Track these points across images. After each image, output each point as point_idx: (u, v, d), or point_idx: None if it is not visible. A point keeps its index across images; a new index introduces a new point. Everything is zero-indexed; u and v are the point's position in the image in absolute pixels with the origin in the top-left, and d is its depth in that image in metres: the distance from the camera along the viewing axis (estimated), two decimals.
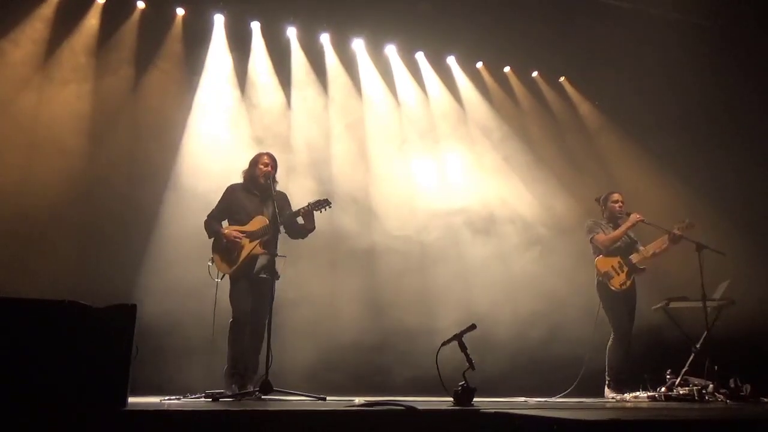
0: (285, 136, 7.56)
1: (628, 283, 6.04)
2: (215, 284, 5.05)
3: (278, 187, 5.30)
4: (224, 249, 5.06)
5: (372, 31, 8.07)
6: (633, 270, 6.09)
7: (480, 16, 7.72)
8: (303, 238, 5.31)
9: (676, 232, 5.98)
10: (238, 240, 5.02)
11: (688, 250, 5.89)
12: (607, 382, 6.01)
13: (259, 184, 5.22)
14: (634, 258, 6.10)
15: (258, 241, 5.03)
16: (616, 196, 6.33)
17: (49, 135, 6.60)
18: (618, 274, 6.06)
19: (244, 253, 5.02)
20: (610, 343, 6.07)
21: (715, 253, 5.84)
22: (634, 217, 6.09)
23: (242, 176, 5.37)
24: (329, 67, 7.98)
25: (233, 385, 4.79)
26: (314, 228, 5.22)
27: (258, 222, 5.11)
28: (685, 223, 6.03)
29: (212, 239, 5.16)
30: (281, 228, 5.09)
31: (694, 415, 3.14)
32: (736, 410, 4.01)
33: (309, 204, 5.10)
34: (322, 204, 5.09)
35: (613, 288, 6.03)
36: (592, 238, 6.25)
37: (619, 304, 6.04)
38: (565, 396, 5.93)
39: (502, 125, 8.47)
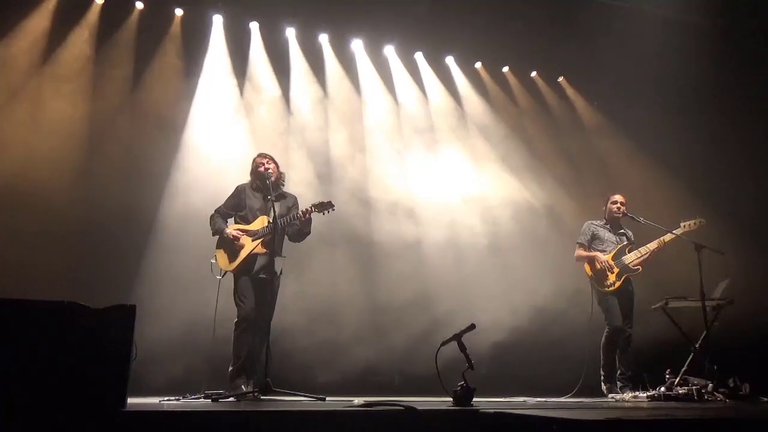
0: (284, 137, 7.55)
1: (618, 284, 6.05)
2: (217, 282, 5.08)
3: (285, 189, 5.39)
4: (226, 247, 5.12)
5: (371, 31, 8.06)
6: (624, 270, 6.09)
7: (479, 16, 7.71)
8: (300, 242, 5.35)
9: (665, 239, 6.03)
10: (238, 238, 5.07)
11: (687, 250, 5.90)
12: (601, 378, 6.03)
13: (264, 184, 5.23)
14: (626, 259, 6.11)
15: (259, 240, 5.04)
16: (616, 198, 6.35)
17: (47, 135, 6.59)
18: (607, 276, 6.06)
19: (244, 252, 5.05)
20: (603, 339, 6.09)
21: (715, 253, 5.84)
22: (599, 257, 6.10)
23: (250, 177, 5.42)
24: (328, 68, 7.97)
25: (242, 385, 4.78)
26: (310, 232, 5.26)
27: (262, 221, 5.16)
28: (696, 222, 6.04)
29: (216, 236, 5.22)
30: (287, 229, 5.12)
31: (693, 414, 3.15)
32: (735, 409, 4.01)
33: (312, 206, 5.10)
34: (326, 206, 5.08)
35: (601, 289, 6.06)
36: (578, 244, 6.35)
37: (609, 301, 6.07)
38: (568, 396, 5.94)
39: (500, 125, 8.47)
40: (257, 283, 5.04)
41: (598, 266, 6.09)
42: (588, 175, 8.33)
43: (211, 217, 5.32)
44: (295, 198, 5.46)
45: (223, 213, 5.32)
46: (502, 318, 7.26)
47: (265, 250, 5.03)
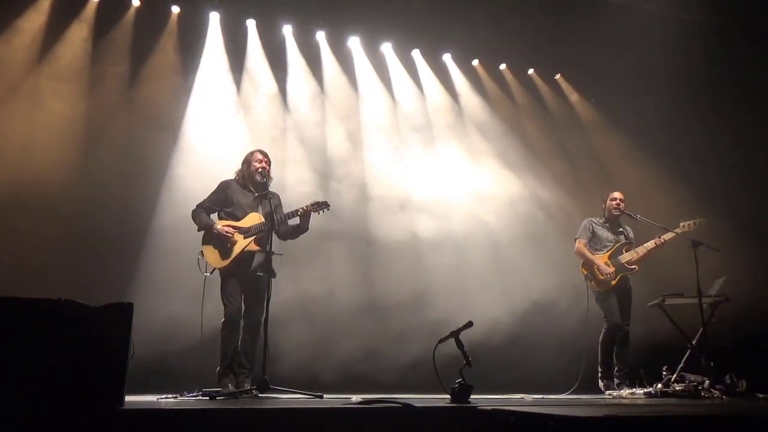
0: (281, 134, 7.55)
1: (613, 282, 6.02)
2: (203, 279, 4.94)
3: (272, 186, 5.29)
4: (216, 243, 4.99)
5: (368, 29, 8.05)
6: (621, 269, 6.07)
7: (476, 13, 7.70)
8: (294, 239, 5.22)
9: (664, 238, 6.02)
10: (230, 235, 4.95)
11: (683, 247, 5.91)
12: (599, 374, 6.04)
13: (254, 181, 5.16)
14: (623, 258, 6.10)
15: (252, 237, 4.98)
16: (614, 195, 6.32)
17: (44, 133, 6.57)
18: (602, 275, 6.05)
19: (237, 249, 4.95)
20: (601, 336, 6.08)
21: (711, 250, 5.85)
22: (602, 269, 6.03)
23: (235, 174, 5.29)
24: (325, 65, 7.96)
25: (228, 384, 4.79)
26: (307, 229, 5.16)
27: (253, 218, 5.06)
28: (696, 222, 6.04)
29: (201, 232, 5.07)
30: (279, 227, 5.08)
31: (690, 411, 3.15)
32: (732, 406, 4.02)
33: (308, 205, 5.06)
34: (321, 206, 5.06)
35: (597, 289, 6.06)
36: (576, 239, 6.33)
37: (608, 299, 6.05)
38: (566, 393, 5.95)
39: (498, 122, 8.48)
40: (254, 282, 4.97)
41: (601, 277, 6.04)
42: (586, 172, 8.33)
43: (193, 212, 5.14)
44: (279, 196, 5.36)
45: (206, 208, 5.15)
46: (500, 315, 7.27)
47: (258, 248, 4.96)
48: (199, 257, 4.99)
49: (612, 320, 6.00)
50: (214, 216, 5.17)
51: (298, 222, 5.09)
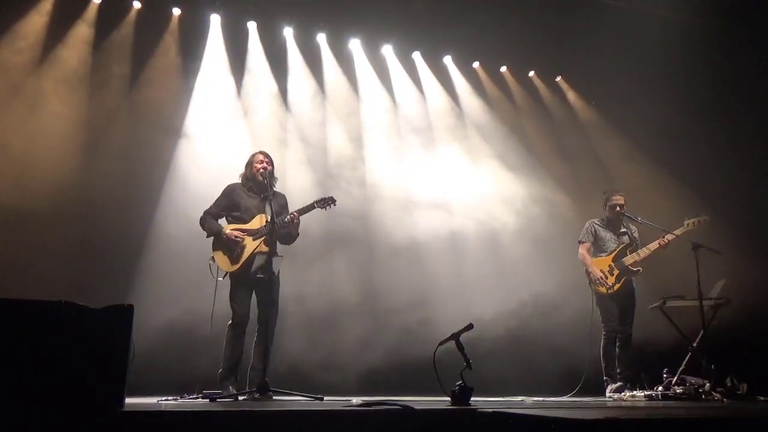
0: (282, 136, 7.55)
1: (617, 286, 6.01)
2: (215, 283, 4.97)
3: (276, 186, 5.29)
4: (226, 247, 5.02)
5: (369, 31, 8.06)
6: (625, 272, 6.05)
7: (476, 16, 7.71)
8: (287, 245, 5.23)
9: (668, 239, 6.00)
10: (240, 239, 4.98)
11: (684, 249, 5.90)
12: (605, 381, 6.02)
13: (258, 182, 5.18)
14: (627, 260, 6.08)
15: (261, 239, 4.99)
16: (617, 199, 6.25)
17: (45, 135, 6.58)
18: (606, 278, 6.04)
19: (247, 252, 4.97)
20: (601, 344, 6.07)
21: (712, 252, 5.84)
22: (595, 273, 6.03)
23: (240, 178, 5.34)
24: (326, 67, 7.98)
25: (230, 386, 4.79)
26: (298, 234, 5.19)
27: (260, 220, 5.08)
28: (700, 220, 6.04)
29: (211, 237, 5.11)
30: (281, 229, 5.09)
31: (690, 414, 3.15)
32: (732, 409, 4.02)
33: (314, 202, 5.12)
34: (327, 202, 5.12)
35: (601, 292, 6.05)
36: (580, 242, 6.31)
37: (608, 304, 6.05)
38: (569, 396, 5.94)
39: (498, 124, 8.49)
40: (255, 284, 4.99)
41: (593, 279, 6.05)
42: (586, 173, 8.34)
43: (201, 219, 5.17)
44: (285, 196, 5.38)
45: (214, 214, 5.18)
46: (501, 316, 7.27)
47: (267, 249, 4.93)
48: (211, 263, 5.03)
49: (609, 326, 6.01)
50: (222, 221, 5.21)
51: (289, 229, 5.10)
